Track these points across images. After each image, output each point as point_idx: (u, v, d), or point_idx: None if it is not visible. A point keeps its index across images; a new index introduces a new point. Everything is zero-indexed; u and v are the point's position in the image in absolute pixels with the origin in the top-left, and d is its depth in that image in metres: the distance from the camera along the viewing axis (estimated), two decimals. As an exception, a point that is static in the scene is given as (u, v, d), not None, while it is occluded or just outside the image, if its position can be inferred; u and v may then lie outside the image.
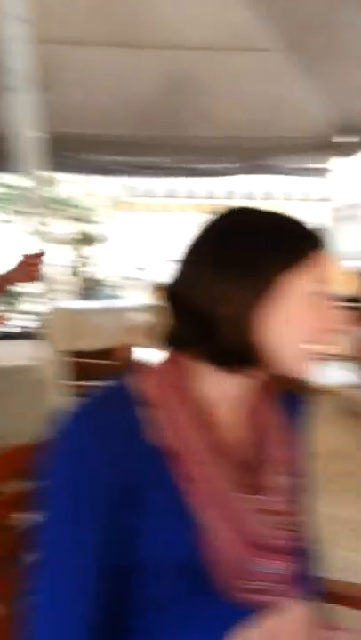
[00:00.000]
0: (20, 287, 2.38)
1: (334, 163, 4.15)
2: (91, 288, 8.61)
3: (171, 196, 9.17)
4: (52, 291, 2.05)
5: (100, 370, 1.95)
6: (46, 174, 2.02)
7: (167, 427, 0.67)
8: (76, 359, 2.04)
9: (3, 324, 3.11)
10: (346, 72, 2.65)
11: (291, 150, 3.64)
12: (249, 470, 0.72)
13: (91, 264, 8.98)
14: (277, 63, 2.89)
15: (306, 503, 0.82)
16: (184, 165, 4.12)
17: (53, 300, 2.06)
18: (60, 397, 1.89)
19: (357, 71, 2.61)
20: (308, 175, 5.18)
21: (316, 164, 4.35)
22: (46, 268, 1.94)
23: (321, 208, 7.57)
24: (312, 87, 3.02)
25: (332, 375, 4.98)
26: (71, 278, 8.46)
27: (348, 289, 5.32)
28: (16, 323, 5.44)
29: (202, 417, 0.70)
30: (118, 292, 8.60)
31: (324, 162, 4.29)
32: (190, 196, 9.30)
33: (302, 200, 8.21)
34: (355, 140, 3.23)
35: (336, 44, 2.40)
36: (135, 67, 2.93)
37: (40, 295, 2.05)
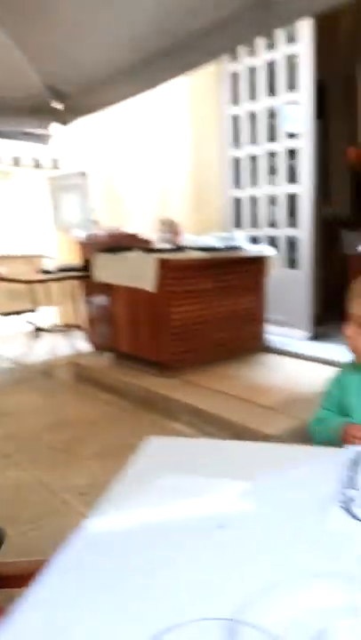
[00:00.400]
0: None
1: (55, 129, 4.07)
2: None
3: None
4: None
5: None
6: None
7: None
8: None
9: None
10: (45, 30, 2.58)
11: (3, 111, 3.43)
12: None
13: None
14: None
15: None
16: None
17: None
18: None
19: (58, 33, 2.56)
20: (27, 140, 5.02)
21: (33, 128, 4.21)
22: None
23: (42, 175, 7.48)
24: (19, 46, 2.86)
25: (68, 345, 5.04)
26: None
27: (71, 258, 5.40)
28: None
29: None
30: None
31: (44, 127, 4.17)
32: None
33: (25, 166, 7.97)
34: (60, 106, 3.20)
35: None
36: None
37: None
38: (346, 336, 1.23)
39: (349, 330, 1.21)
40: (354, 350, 1.24)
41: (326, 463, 1.03)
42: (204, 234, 4.64)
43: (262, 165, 5.08)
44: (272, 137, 4.96)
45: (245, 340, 4.46)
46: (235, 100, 5.24)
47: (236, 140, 5.30)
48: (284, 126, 4.82)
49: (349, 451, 1.08)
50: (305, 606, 0.65)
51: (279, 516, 0.87)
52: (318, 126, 4.72)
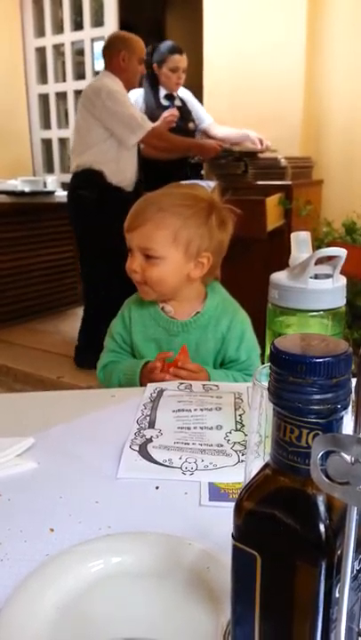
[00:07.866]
0: None
1: None
2: None
3: None
4: None
5: None
6: None
7: None
8: None
9: None
10: None
11: None
12: None
13: None
14: None
15: None
16: None
17: None
18: None
19: None
20: None
21: None
22: None
23: None
24: None
25: None
26: None
27: None
28: None
29: None
30: None
31: None
32: None
33: None
34: None
35: None
36: None
37: None
38: (132, 271, 1.13)
39: (134, 264, 1.12)
40: (145, 281, 1.13)
41: (125, 404, 0.92)
42: (11, 177, 4.23)
43: (71, 105, 4.76)
44: (79, 75, 4.65)
45: (62, 293, 4.24)
46: (40, 31, 4.79)
47: (43, 76, 4.88)
48: (93, 63, 4.54)
49: (147, 389, 0.97)
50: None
51: (68, 473, 0.73)
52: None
